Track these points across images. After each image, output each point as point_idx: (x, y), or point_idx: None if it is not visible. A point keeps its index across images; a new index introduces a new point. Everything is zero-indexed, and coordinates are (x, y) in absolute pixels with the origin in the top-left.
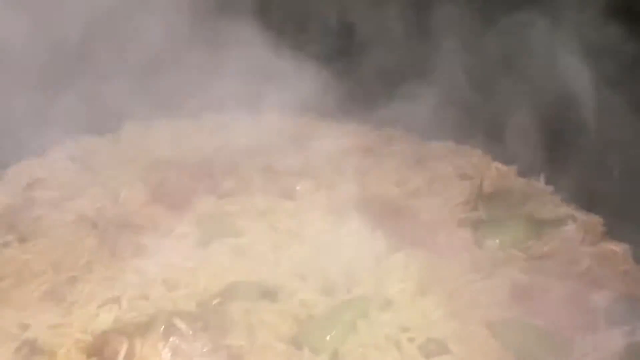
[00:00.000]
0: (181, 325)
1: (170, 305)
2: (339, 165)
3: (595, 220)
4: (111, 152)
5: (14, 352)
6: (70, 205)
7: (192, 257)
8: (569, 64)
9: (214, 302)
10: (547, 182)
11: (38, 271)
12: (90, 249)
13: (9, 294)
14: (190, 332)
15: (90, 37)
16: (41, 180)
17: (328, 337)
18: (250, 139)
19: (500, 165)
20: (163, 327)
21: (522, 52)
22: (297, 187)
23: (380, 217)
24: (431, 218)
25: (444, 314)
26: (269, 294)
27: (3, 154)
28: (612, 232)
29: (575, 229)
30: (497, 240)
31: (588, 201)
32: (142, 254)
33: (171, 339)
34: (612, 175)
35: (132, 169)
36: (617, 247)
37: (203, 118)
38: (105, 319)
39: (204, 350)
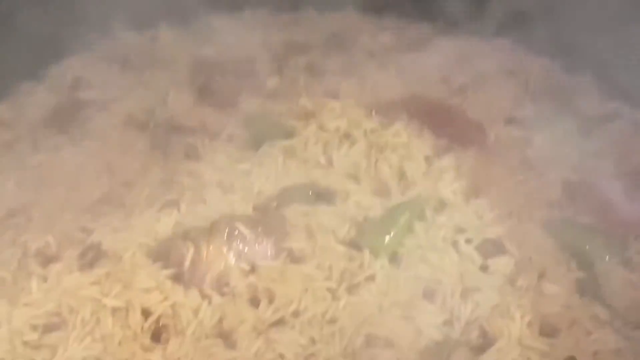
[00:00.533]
0: (244, 229)
1: (228, 208)
2: (382, 63)
3: None
4: (151, 51)
5: (79, 256)
6: (117, 106)
7: (244, 160)
8: None
9: (272, 206)
10: (594, 78)
11: (93, 175)
12: (143, 152)
13: (68, 198)
14: (253, 236)
15: None
16: (84, 79)
17: (387, 239)
18: (291, 35)
19: (546, 61)
20: (227, 232)
21: None
22: (342, 86)
23: (426, 116)
24: (479, 116)
25: (499, 215)
26: (324, 196)
27: (42, 54)
28: None
29: (624, 125)
30: (547, 138)
31: (636, 97)
32: (194, 157)
33: (235, 243)
34: None
35: (176, 69)
36: None
37: (242, 14)
38: (166, 223)
39: (267, 253)
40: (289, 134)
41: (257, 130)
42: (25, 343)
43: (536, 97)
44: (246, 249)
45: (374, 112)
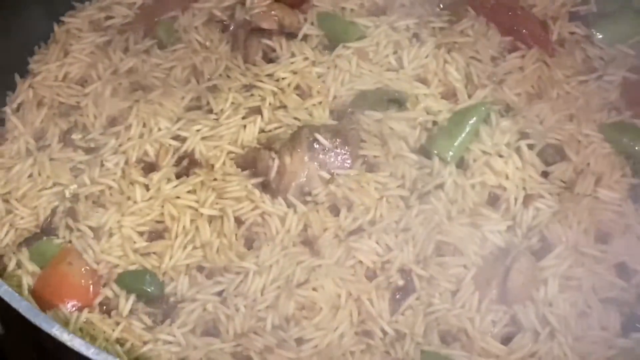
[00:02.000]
0: (323, 140)
1: (307, 115)
2: None
3: None
4: None
5: (175, 164)
6: (198, 6)
7: (319, 62)
8: None
9: (347, 112)
10: None
11: (182, 79)
12: (225, 55)
13: (161, 104)
14: (331, 146)
15: None
16: None
17: (454, 145)
18: None
19: None
20: (307, 143)
21: None
22: None
23: (492, 13)
24: (544, 12)
25: (559, 119)
26: (395, 101)
27: None
28: None
29: None
30: (609, 35)
31: None
32: (273, 59)
33: (314, 153)
34: None
35: None
36: None
37: None
38: (252, 130)
39: (345, 162)
40: (362, 34)
41: (331, 30)
42: (136, 250)
43: None
44: (325, 158)
45: (441, 7)
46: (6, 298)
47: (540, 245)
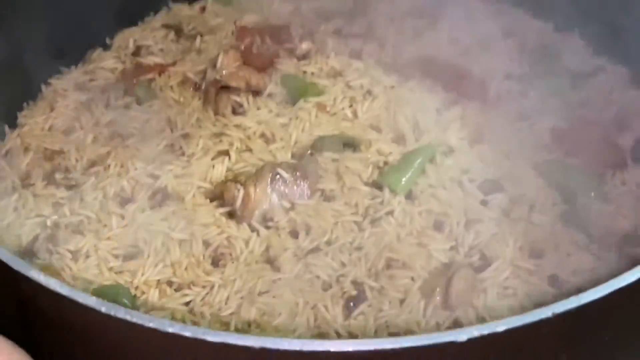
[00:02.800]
0: (284, 174)
1: (270, 156)
2: (399, 27)
3: (623, 70)
4: (201, 21)
5: (150, 197)
6: (174, 70)
7: (282, 114)
8: None
9: (307, 153)
10: (581, 36)
11: (158, 129)
12: (197, 109)
13: (138, 149)
14: (292, 180)
15: None
16: (145, 47)
17: (403, 180)
18: (320, 4)
19: (540, 23)
20: (270, 176)
21: None
22: (365, 48)
23: (437, 73)
24: (482, 73)
25: (497, 158)
26: (350, 145)
27: (109, 22)
28: (638, 80)
29: (606, 79)
30: (540, 91)
31: (617, 53)
32: (241, 112)
33: (277, 185)
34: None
35: (222, 36)
36: None
37: None
38: (220, 169)
39: (304, 194)
40: (320, 92)
41: (293, 89)
42: (111, 268)
43: (531, 55)
44: (286, 190)
45: (392, 70)
46: None
47: (481, 263)
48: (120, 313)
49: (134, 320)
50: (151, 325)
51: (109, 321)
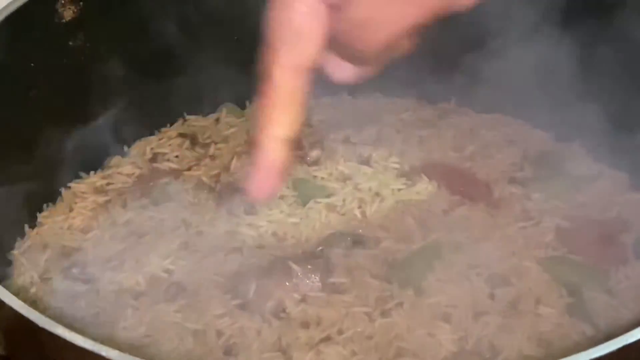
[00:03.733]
0: (296, 267)
1: (282, 252)
2: (406, 136)
3: (622, 175)
4: (215, 130)
5: (164, 291)
6: (189, 174)
7: (293, 214)
8: None
9: (317, 249)
10: (581, 145)
11: (172, 227)
12: (211, 209)
13: (153, 246)
14: (304, 273)
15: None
16: (162, 154)
17: (412, 275)
18: (329, 115)
19: (541, 132)
20: (281, 269)
21: None
22: (373, 155)
23: (443, 177)
24: (486, 178)
25: (503, 254)
26: (360, 242)
27: (127, 133)
28: (637, 185)
29: (605, 183)
30: (543, 194)
31: (617, 159)
32: (253, 212)
33: (289, 278)
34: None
35: (235, 144)
36: None
37: None
38: (232, 264)
39: (315, 286)
40: (330, 194)
41: (304, 191)
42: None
43: (533, 161)
44: (298, 283)
45: (399, 175)
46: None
47: (490, 353)
48: None
49: None
50: None
51: None
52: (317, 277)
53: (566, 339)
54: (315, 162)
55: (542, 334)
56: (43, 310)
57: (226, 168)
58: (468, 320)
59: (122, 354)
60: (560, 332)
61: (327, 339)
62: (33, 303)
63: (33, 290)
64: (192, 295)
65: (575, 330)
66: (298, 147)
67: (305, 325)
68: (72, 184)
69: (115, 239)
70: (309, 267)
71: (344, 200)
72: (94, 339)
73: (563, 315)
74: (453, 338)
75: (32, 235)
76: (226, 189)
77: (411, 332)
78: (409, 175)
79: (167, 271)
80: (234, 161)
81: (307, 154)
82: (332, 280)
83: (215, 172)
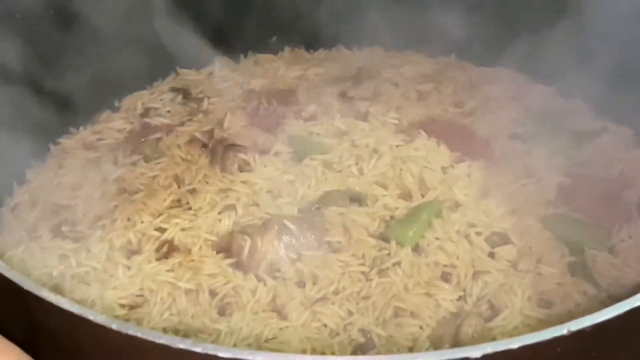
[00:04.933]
0: (291, 226)
1: (277, 210)
2: (404, 91)
3: (626, 130)
4: (208, 84)
5: (156, 250)
6: (182, 129)
7: (289, 171)
8: None
9: (313, 207)
10: (584, 100)
11: (164, 185)
12: (204, 166)
13: (145, 204)
14: (299, 232)
15: None
16: (153, 109)
17: (410, 233)
18: (326, 69)
19: (542, 87)
20: (277, 228)
21: None
22: (370, 110)
23: (443, 134)
24: (487, 133)
25: (504, 212)
26: (357, 199)
27: (117, 88)
28: None
29: (609, 139)
30: (545, 150)
31: (621, 114)
32: (247, 169)
33: (284, 237)
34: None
35: (229, 99)
36: None
37: (284, 53)
38: (226, 223)
39: (311, 245)
40: (326, 150)
41: (300, 148)
42: (116, 317)
43: (535, 116)
44: (293, 241)
45: (398, 131)
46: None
47: (489, 312)
48: (131, 330)
49: (145, 337)
50: (162, 342)
51: (119, 339)
52: (312, 236)
53: (568, 299)
54: (311, 118)
55: (543, 294)
56: (31, 270)
57: (220, 123)
58: (467, 279)
59: (109, 318)
60: (561, 292)
61: (323, 299)
62: (21, 261)
63: (21, 248)
64: (185, 255)
65: (577, 290)
66: (293, 101)
67: (301, 284)
68: (61, 140)
69: (105, 196)
70: (305, 225)
71: (340, 157)
72: (84, 299)
73: (564, 274)
74: (452, 298)
75: (21, 193)
76: (220, 145)
77: (409, 292)
78: (407, 131)
79: (160, 229)
80: (228, 116)
81: (302, 109)
82: (328, 239)
83: (208, 127)
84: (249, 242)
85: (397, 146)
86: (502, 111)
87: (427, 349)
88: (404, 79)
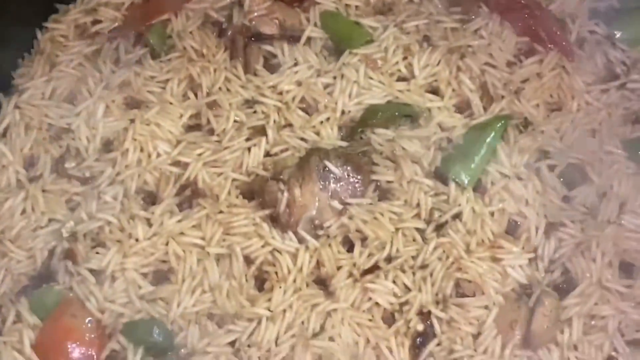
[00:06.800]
0: (334, 168)
1: (313, 135)
2: None
3: None
4: None
5: (178, 193)
6: (191, 7)
7: (325, 71)
8: None
9: (357, 135)
10: None
11: (179, 94)
12: (224, 64)
13: (159, 125)
14: (342, 174)
15: None
16: None
17: (472, 166)
18: None
19: None
20: (316, 172)
21: None
22: None
23: (507, 10)
24: (562, 9)
25: (581, 134)
26: (408, 116)
27: None
28: None
29: None
30: (631, 34)
31: None
32: (275, 67)
33: (325, 183)
34: None
35: None
36: None
37: None
38: (256, 154)
39: (357, 190)
40: (368, 37)
41: (336, 32)
42: (141, 297)
43: None
44: (336, 187)
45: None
46: None
47: (563, 279)
48: None
49: None
50: None
51: None
52: (358, 180)
53: None
54: None
55: (626, 255)
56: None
57: (239, 1)
58: (539, 235)
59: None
60: None
61: (374, 269)
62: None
63: (22, 195)
64: (212, 203)
65: None
66: None
67: (348, 244)
68: (48, 24)
69: (111, 113)
70: (349, 167)
71: (385, 50)
72: (102, 271)
73: None
74: (521, 263)
75: (10, 110)
76: (240, 35)
77: (471, 255)
78: (464, 4)
79: (179, 165)
80: None
81: None
82: (375, 177)
83: (224, 3)
84: (286, 193)
85: (452, 29)
86: None
87: (494, 337)
88: None
